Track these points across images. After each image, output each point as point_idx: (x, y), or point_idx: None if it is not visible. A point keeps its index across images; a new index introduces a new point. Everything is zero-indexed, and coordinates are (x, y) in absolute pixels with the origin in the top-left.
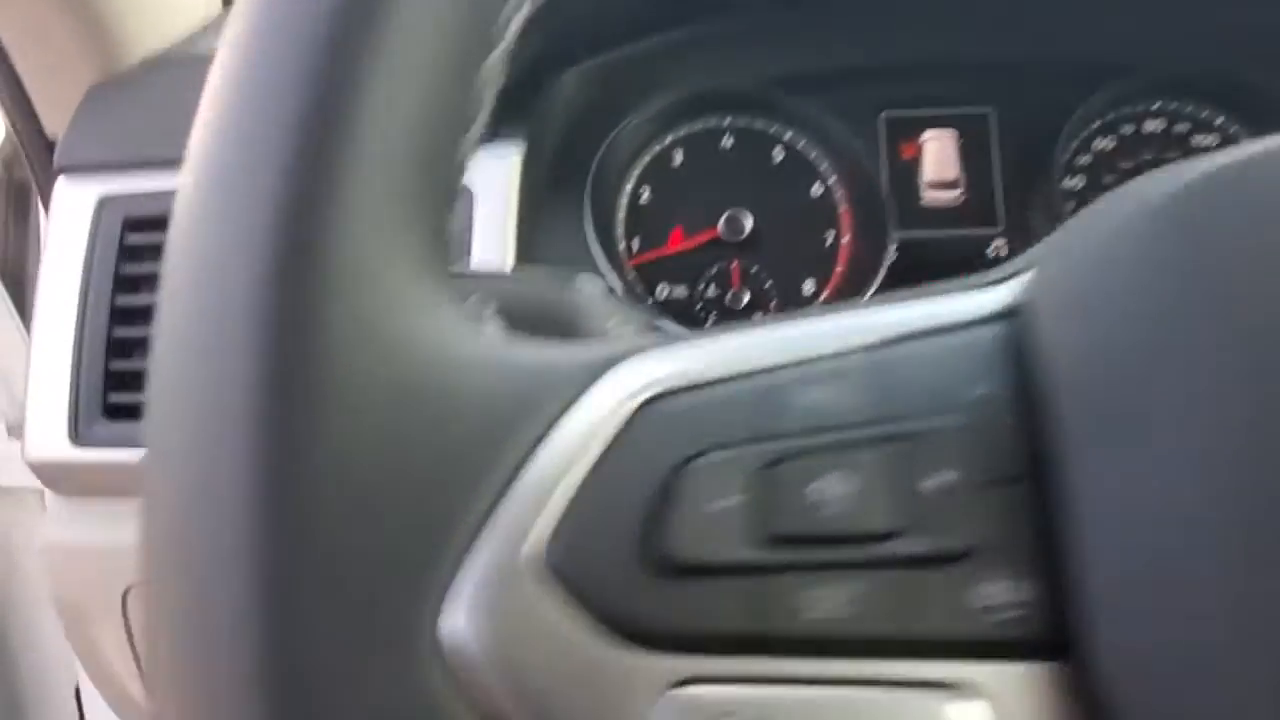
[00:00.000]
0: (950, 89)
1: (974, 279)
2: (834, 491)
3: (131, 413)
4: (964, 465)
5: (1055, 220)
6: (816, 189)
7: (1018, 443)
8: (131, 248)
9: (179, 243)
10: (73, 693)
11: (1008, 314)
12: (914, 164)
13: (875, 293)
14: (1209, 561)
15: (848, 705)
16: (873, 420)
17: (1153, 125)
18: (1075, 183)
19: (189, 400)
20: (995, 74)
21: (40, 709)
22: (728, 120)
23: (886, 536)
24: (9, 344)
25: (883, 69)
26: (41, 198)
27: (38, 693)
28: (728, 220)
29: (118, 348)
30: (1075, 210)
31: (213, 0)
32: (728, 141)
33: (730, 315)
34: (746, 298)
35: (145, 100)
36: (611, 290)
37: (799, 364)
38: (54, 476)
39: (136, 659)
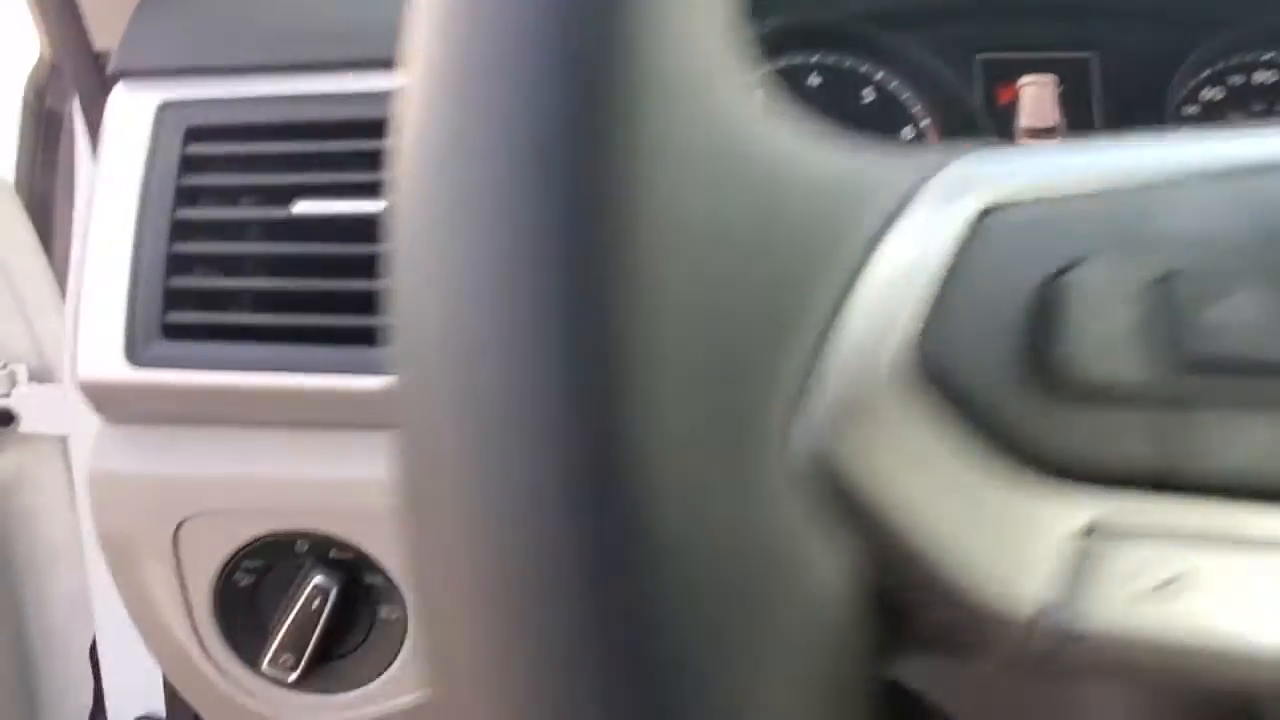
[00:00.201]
0: (1051, 32)
1: None
2: (1246, 314)
3: (191, 333)
4: None
5: None
6: (908, 132)
7: None
8: (193, 157)
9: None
10: (87, 653)
11: None
12: (1010, 109)
13: None
14: None
15: None
16: (1267, 245)
17: (1263, 76)
18: None
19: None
20: (1098, 18)
21: (53, 667)
22: (815, 58)
23: None
24: (35, 286)
25: (980, 7)
26: (86, 117)
27: (51, 651)
28: None
29: (177, 263)
30: None
31: None
32: (814, 80)
33: None
34: None
35: (209, 2)
36: None
37: (1160, 185)
38: (106, 399)
39: (186, 598)
